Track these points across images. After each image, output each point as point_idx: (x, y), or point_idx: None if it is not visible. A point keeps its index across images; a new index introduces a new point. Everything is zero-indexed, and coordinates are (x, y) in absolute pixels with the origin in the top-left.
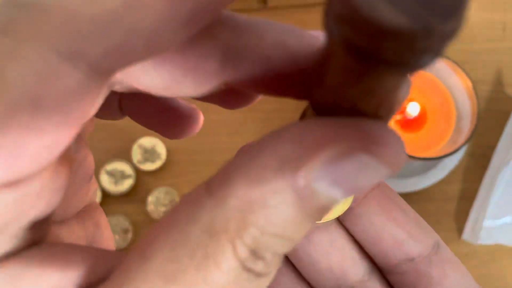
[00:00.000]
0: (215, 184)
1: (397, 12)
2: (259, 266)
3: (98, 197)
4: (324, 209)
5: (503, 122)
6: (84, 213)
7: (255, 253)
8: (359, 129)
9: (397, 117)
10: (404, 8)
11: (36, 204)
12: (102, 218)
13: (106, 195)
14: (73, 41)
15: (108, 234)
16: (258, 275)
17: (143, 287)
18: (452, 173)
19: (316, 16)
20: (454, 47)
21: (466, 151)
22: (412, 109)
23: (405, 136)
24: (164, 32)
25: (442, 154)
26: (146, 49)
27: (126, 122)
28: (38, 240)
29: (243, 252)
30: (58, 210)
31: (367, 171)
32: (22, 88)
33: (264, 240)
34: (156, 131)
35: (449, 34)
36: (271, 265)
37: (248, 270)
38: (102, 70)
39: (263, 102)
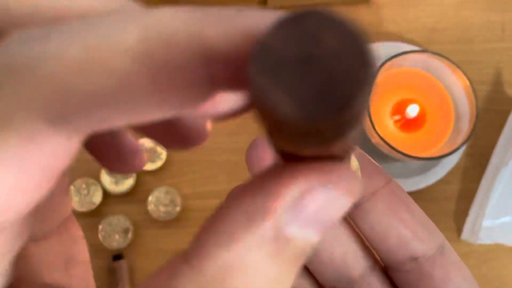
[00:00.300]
0: (192, 252)
1: (293, 107)
2: None
3: (99, 197)
4: (304, 253)
5: (502, 122)
6: (61, 229)
7: None
8: (316, 169)
9: (396, 117)
10: (300, 103)
11: (18, 239)
12: (78, 232)
13: (107, 195)
14: (60, 111)
15: (83, 248)
16: None
17: None
18: (451, 173)
19: None
20: (453, 47)
21: (465, 151)
22: (412, 110)
23: (405, 136)
24: (147, 111)
25: (441, 154)
26: (127, 121)
27: None
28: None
29: None
30: (36, 228)
31: (331, 204)
32: (6, 153)
33: None
34: (159, 143)
35: (348, 121)
36: None
37: None
38: (83, 133)
39: None
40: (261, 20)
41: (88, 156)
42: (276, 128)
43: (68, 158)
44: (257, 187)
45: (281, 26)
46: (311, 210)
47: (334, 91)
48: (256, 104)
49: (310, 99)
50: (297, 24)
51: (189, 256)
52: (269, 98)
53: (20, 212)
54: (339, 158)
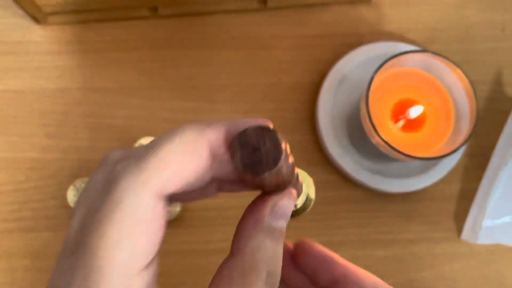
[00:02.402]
0: (231, 248)
1: (250, 172)
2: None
3: None
4: (283, 234)
5: (502, 122)
6: None
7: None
8: (277, 194)
9: (396, 118)
10: (254, 170)
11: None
12: None
13: None
14: (166, 189)
15: None
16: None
17: None
18: (451, 173)
19: (315, 16)
20: (453, 47)
21: (465, 151)
22: (415, 111)
23: (405, 136)
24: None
25: (441, 154)
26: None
27: (127, 123)
28: None
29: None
30: None
31: (286, 206)
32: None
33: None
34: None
35: (272, 174)
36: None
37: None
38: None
39: (263, 102)
40: (236, 127)
41: (88, 157)
42: (246, 179)
43: (162, 222)
44: (254, 207)
45: (245, 132)
46: (279, 212)
47: (266, 163)
48: (236, 170)
49: (255, 167)
50: (252, 131)
51: (231, 250)
52: (238, 164)
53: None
54: (285, 186)
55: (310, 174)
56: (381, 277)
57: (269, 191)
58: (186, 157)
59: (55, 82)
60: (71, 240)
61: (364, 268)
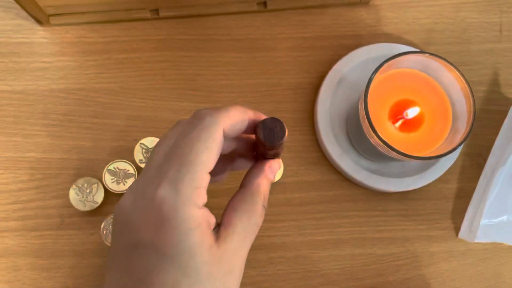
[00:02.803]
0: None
1: (268, 143)
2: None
3: (101, 196)
4: (272, 180)
5: (499, 122)
6: None
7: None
8: (272, 160)
9: (394, 118)
10: (270, 141)
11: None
12: None
13: (109, 193)
14: (227, 127)
15: None
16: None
17: None
18: (449, 173)
19: (314, 18)
20: (451, 48)
21: (463, 151)
22: (412, 112)
23: (403, 136)
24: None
25: (439, 153)
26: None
27: (128, 123)
28: None
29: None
30: None
31: (277, 166)
32: (213, 144)
33: (266, 197)
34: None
35: (278, 144)
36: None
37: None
38: (226, 136)
39: (263, 103)
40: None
41: (90, 157)
42: (261, 146)
43: (221, 146)
44: (259, 164)
45: (266, 120)
46: (273, 169)
47: (277, 137)
48: (257, 138)
49: (272, 138)
50: (270, 120)
51: (241, 185)
52: (261, 136)
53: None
54: (277, 156)
55: (310, 173)
56: (380, 275)
57: (270, 157)
58: (239, 117)
59: (58, 83)
60: (159, 159)
61: (362, 266)
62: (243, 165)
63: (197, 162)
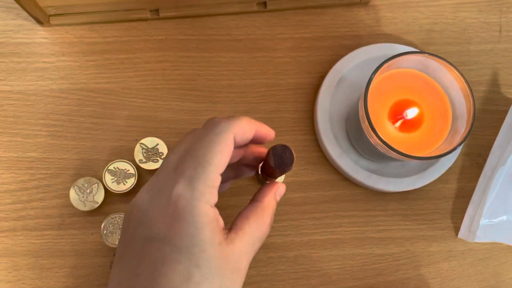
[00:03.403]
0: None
1: (278, 169)
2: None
3: (101, 196)
4: (278, 200)
5: (499, 122)
6: None
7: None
8: (281, 184)
9: (394, 118)
10: (280, 167)
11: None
12: None
13: (109, 193)
14: (238, 134)
15: None
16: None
17: None
18: (449, 173)
19: (314, 18)
20: (450, 49)
21: (462, 151)
22: (412, 112)
23: (403, 136)
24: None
25: (438, 153)
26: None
27: (129, 123)
28: None
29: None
30: None
31: (282, 191)
32: (225, 146)
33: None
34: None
35: (288, 170)
36: None
37: None
38: (236, 143)
39: (263, 103)
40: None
41: (89, 156)
42: (270, 169)
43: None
44: (270, 185)
45: (277, 147)
46: (280, 192)
47: (287, 164)
48: (267, 162)
49: (282, 165)
50: (280, 147)
51: (254, 199)
52: (272, 163)
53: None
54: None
55: (310, 173)
56: (379, 275)
57: (277, 176)
58: (248, 126)
59: (58, 83)
60: (175, 160)
61: (362, 266)
62: (246, 173)
63: (212, 163)
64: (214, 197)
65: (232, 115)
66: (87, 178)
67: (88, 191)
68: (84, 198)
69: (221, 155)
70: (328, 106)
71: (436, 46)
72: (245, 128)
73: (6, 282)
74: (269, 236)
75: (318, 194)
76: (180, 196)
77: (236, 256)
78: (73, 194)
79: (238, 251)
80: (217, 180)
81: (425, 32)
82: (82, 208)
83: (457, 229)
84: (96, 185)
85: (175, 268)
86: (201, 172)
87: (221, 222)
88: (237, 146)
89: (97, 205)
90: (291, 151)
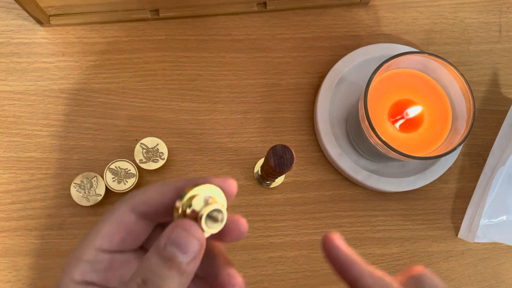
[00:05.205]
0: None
1: (278, 169)
2: None
3: (102, 188)
4: (174, 260)
5: (499, 122)
6: None
7: (143, 280)
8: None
9: (394, 118)
10: (280, 167)
11: (120, 267)
12: None
13: (110, 193)
14: (137, 206)
15: None
16: None
17: None
18: (448, 173)
19: (314, 19)
20: (450, 49)
21: (462, 151)
22: (413, 111)
23: (403, 136)
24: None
25: (438, 153)
26: (159, 215)
27: (129, 123)
28: None
29: (138, 280)
30: None
31: (185, 238)
32: (113, 217)
33: (147, 275)
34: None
35: (288, 170)
36: None
37: None
38: (142, 215)
39: (263, 103)
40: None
41: (90, 156)
42: (270, 171)
43: (139, 230)
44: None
45: (277, 146)
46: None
47: (287, 164)
48: (267, 163)
49: (281, 165)
50: (280, 147)
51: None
52: (272, 163)
53: (114, 244)
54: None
55: (309, 173)
56: None
57: (278, 176)
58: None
59: (58, 83)
60: None
61: None
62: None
63: (87, 238)
64: (80, 273)
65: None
66: (84, 174)
67: (88, 185)
68: (86, 194)
69: (98, 228)
70: (328, 106)
71: (436, 46)
72: (149, 197)
73: (6, 282)
74: (269, 236)
75: (318, 194)
76: None
77: None
78: (74, 192)
79: None
80: (88, 253)
81: (425, 32)
82: (86, 203)
83: (457, 229)
84: (95, 178)
85: None
86: (78, 246)
87: None
88: (153, 218)
89: (101, 197)
90: (291, 151)
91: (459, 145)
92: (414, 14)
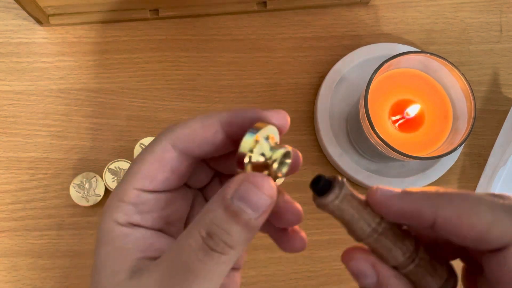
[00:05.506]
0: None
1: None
2: (211, 243)
3: (102, 188)
4: (242, 216)
5: (500, 122)
6: None
7: (209, 233)
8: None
9: (394, 117)
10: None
11: (164, 207)
12: None
13: (109, 193)
14: (179, 142)
15: None
16: (214, 250)
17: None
18: (449, 173)
19: (314, 18)
20: (451, 48)
21: (463, 151)
22: (413, 110)
23: (403, 136)
24: (207, 151)
25: (439, 153)
26: (202, 152)
27: (129, 123)
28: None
29: (202, 232)
30: None
31: (253, 192)
32: (154, 153)
33: (213, 228)
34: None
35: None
36: (224, 248)
37: (207, 245)
38: (184, 151)
39: (263, 103)
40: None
41: (89, 156)
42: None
43: (178, 166)
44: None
45: (318, 177)
46: (243, 192)
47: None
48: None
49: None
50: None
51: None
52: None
53: (156, 185)
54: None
55: (310, 173)
56: None
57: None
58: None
59: (58, 83)
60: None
61: None
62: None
63: (127, 178)
64: (124, 214)
65: (185, 120)
66: (84, 174)
67: (87, 186)
68: (86, 194)
69: (138, 168)
70: (328, 106)
71: (437, 46)
72: (192, 132)
73: (5, 283)
74: (268, 236)
75: None
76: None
77: None
78: (73, 193)
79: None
80: (130, 194)
81: (425, 32)
82: (85, 204)
83: None
84: (94, 178)
85: None
86: (117, 188)
87: (149, 246)
88: (197, 154)
89: (100, 197)
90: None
91: (459, 145)
92: (414, 14)
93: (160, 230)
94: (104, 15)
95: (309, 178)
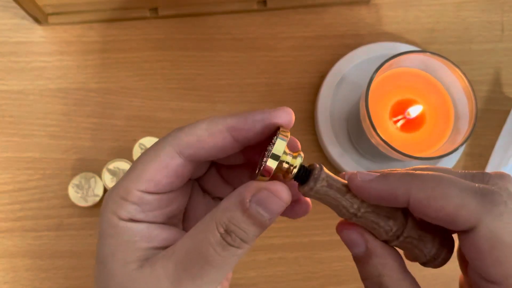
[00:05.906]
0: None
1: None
2: (229, 239)
3: (101, 188)
4: (258, 218)
5: (501, 122)
6: None
7: (227, 230)
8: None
9: (395, 118)
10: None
11: (166, 205)
12: None
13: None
14: (186, 149)
15: None
16: (231, 245)
17: None
18: None
19: (315, 17)
20: (452, 48)
21: (465, 151)
22: (415, 110)
23: (404, 136)
24: (216, 154)
25: (440, 154)
26: (209, 157)
27: (128, 123)
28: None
29: (220, 229)
30: None
31: (271, 200)
32: (160, 158)
33: (231, 227)
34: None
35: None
36: (240, 244)
37: (225, 240)
38: (190, 159)
39: (263, 103)
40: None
41: (88, 156)
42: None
43: (185, 172)
44: (242, 188)
45: (301, 167)
46: (260, 198)
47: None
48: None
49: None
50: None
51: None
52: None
53: (157, 187)
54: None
55: None
56: None
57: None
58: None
59: (56, 82)
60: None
61: None
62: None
63: (129, 176)
64: (125, 210)
65: (196, 122)
66: (82, 174)
67: (86, 186)
68: (85, 194)
69: (142, 171)
70: (329, 105)
71: (438, 45)
72: (199, 140)
73: (4, 283)
74: (269, 237)
75: None
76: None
77: (146, 285)
78: (72, 193)
79: (152, 280)
80: (134, 196)
81: (427, 31)
82: (84, 204)
83: None
84: (93, 179)
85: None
86: (118, 184)
87: (156, 237)
88: (203, 159)
89: (99, 198)
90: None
91: (461, 145)
92: (415, 13)
93: (162, 223)
94: (103, 14)
95: None
